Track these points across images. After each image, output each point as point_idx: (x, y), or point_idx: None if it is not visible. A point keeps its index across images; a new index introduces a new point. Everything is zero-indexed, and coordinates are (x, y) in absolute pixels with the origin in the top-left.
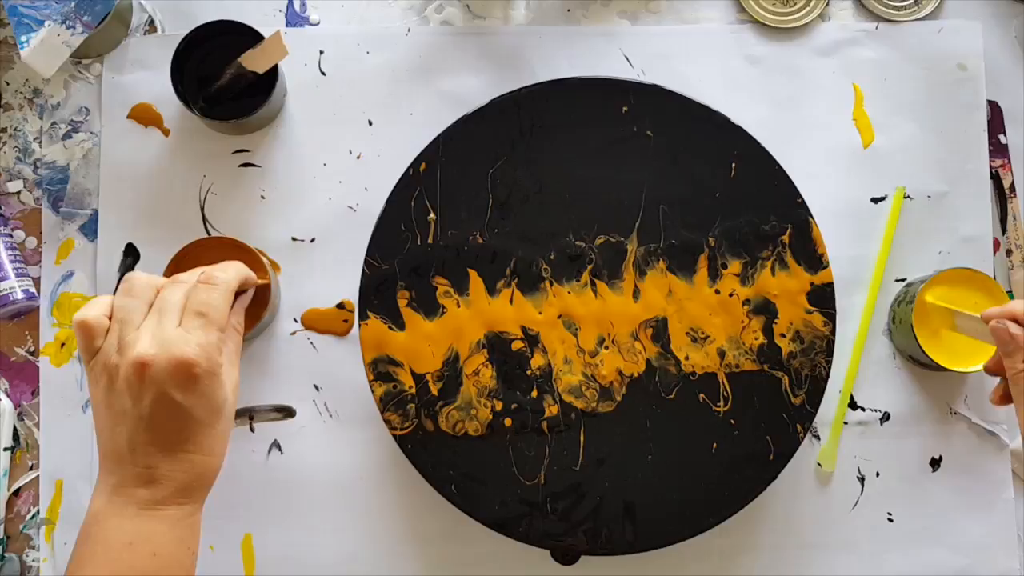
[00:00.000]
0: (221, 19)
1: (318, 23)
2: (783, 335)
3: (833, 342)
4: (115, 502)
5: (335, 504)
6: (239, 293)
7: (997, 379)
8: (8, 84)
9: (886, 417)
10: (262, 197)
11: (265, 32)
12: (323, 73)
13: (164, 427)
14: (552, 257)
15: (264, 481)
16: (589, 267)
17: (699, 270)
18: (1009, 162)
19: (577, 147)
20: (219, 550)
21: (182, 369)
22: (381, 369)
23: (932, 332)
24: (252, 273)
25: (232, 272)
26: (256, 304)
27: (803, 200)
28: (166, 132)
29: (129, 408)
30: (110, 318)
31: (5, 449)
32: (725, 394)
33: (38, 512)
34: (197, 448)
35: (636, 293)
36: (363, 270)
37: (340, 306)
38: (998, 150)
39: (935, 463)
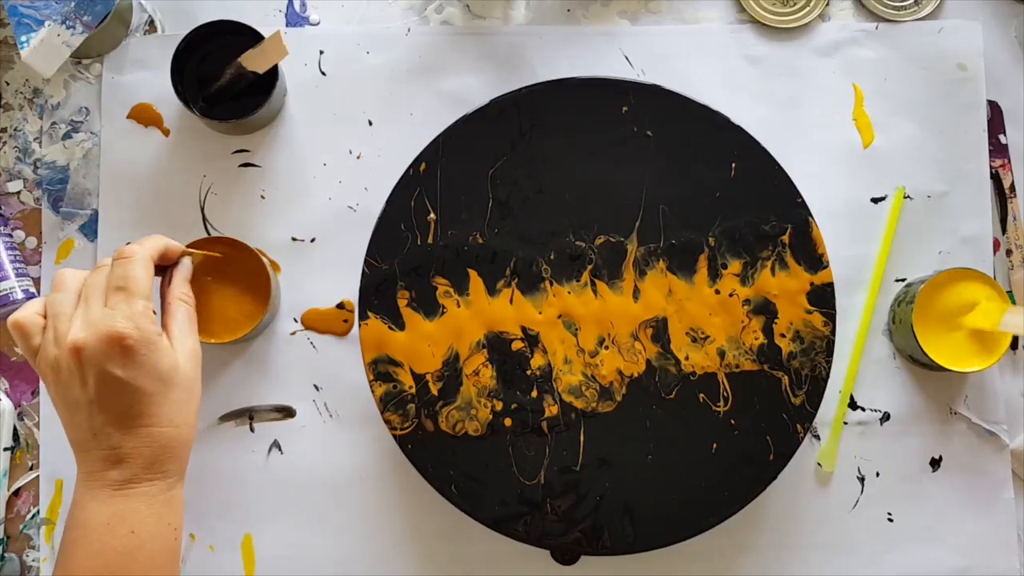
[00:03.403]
0: (221, 19)
1: (318, 23)
2: (783, 335)
3: (833, 342)
4: (90, 487)
5: (335, 504)
6: (174, 266)
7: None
8: (8, 84)
9: (886, 417)
10: (262, 197)
11: (265, 32)
12: (323, 73)
13: (115, 404)
14: (552, 257)
15: (264, 481)
16: (589, 267)
17: (699, 270)
18: (1009, 162)
19: (577, 147)
20: (219, 550)
21: (114, 343)
22: (381, 369)
23: (932, 332)
24: (173, 243)
25: (148, 243)
26: (256, 304)
27: (803, 200)
28: (166, 132)
29: (79, 395)
30: (46, 316)
31: (5, 449)
32: (725, 394)
33: (38, 512)
34: (155, 421)
35: (636, 293)
36: (363, 270)
37: (340, 306)
38: (998, 150)
39: (935, 463)
